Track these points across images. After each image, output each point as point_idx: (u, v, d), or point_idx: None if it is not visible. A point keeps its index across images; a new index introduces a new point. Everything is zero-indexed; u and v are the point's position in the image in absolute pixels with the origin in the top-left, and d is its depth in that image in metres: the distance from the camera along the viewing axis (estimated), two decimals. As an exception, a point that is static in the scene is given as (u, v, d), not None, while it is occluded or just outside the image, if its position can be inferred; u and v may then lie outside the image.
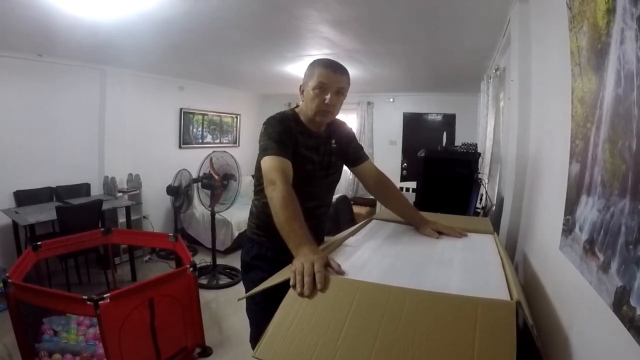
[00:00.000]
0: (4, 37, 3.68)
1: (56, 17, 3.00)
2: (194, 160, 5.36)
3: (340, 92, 1.65)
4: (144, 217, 5.82)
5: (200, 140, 7.11)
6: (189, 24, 3.20)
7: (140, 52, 4.37)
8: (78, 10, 2.87)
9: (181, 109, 6.61)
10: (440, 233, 1.70)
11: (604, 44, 0.89)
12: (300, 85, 1.72)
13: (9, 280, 2.56)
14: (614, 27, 0.84)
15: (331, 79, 1.60)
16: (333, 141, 1.82)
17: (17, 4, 2.71)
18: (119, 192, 5.31)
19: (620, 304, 0.74)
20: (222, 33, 3.49)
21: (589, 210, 0.96)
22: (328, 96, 1.60)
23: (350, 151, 1.92)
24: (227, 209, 4.94)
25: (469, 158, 3.25)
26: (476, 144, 3.59)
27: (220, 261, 5.07)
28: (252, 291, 1.27)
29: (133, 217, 5.19)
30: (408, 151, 7.35)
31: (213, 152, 4.82)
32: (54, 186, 4.93)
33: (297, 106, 1.76)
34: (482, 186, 3.44)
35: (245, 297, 1.62)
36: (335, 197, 3.15)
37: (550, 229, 1.37)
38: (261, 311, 1.55)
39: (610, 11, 0.86)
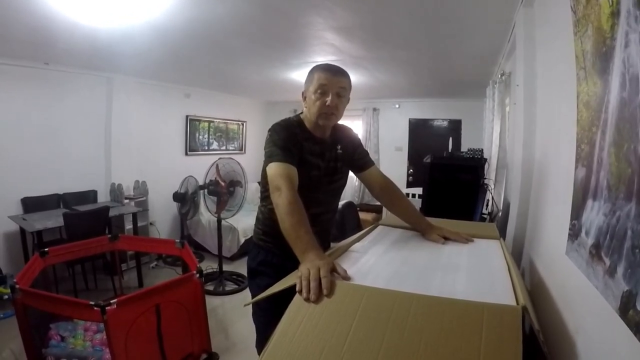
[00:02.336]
0: (10, 46, 3.73)
1: (61, 26, 3.03)
2: (200, 167, 5.38)
3: (341, 94, 1.65)
4: (151, 223, 5.85)
5: (206, 147, 7.15)
6: (194, 32, 3.23)
7: (145, 60, 4.40)
8: (83, 19, 2.90)
9: (187, 116, 6.65)
10: (446, 238, 1.70)
11: (609, 48, 0.89)
12: (302, 92, 1.74)
13: (17, 286, 2.57)
14: (618, 30, 0.84)
15: (331, 80, 1.61)
16: (339, 147, 1.83)
17: (19, 12, 2.74)
18: (126, 198, 5.34)
19: (626, 308, 0.74)
20: (227, 41, 3.52)
21: (595, 215, 0.96)
22: (329, 98, 1.61)
23: (356, 157, 1.92)
24: (233, 216, 4.96)
25: (475, 164, 3.24)
26: (482, 150, 3.58)
27: (226, 267, 5.07)
28: (258, 297, 1.27)
29: (140, 224, 5.23)
30: (414, 157, 7.34)
31: (219, 158, 4.84)
32: (61, 193, 4.97)
33: (302, 113, 1.77)
34: (488, 192, 3.43)
35: (252, 303, 1.62)
36: (341, 203, 3.16)
37: (556, 234, 1.36)
38: (267, 317, 1.55)
39: (615, 14, 0.86)
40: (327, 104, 1.61)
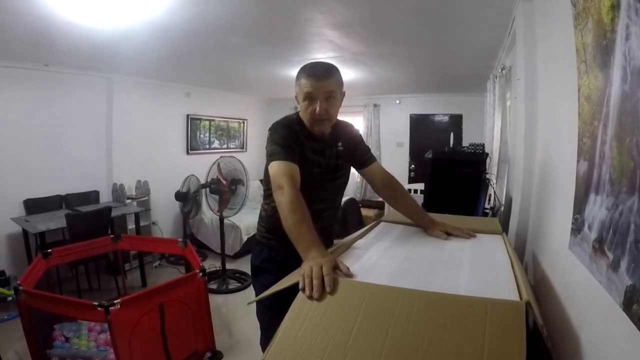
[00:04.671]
0: (9, 48, 3.72)
1: (59, 26, 3.02)
2: (201, 166, 5.38)
3: (330, 96, 1.62)
4: (153, 223, 5.85)
5: (207, 146, 7.14)
6: (193, 31, 3.22)
7: (145, 60, 4.39)
8: (81, 19, 2.89)
9: (188, 115, 6.64)
10: (448, 234, 1.69)
11: (609, 41, 0.88)
12: (295, 96, 1.72)
13: (20, 288, 2.58)
14: (618, 23, 0.83)
15: (315, 87, 1.58)
16: (339, 144, 1.82)
17: (17, 14, 2.73)
18: (128, 198, 5.35)
19: (630, 302, 0.73)
20: (226, 39, 3.51)
21: (597, 209, 0.95)
22: (317, 106, 1.59)
23: (358, 153, 1.91)
24: (235, 214, 4.96)
25: (477, 158, 3.24)
26: (483, 144, 3.58)
27: (229, 266, 5.07)
28: (261, 295, 1.28)
29: (142, 224, 5.23)
30: (415, 153, 7.32)
31: (220, 157, 4.83)
32: (63, 194, 4.98)
33: (302, 111, 1.76)
34: (490, 186, 3.42)
35: (255, 301, 1.62)
36: (343, 199, 3.16)
37: (559, 229, 1.35)
38: (271, 315, 1.55)
39: (615, 7, 0.85)
40: (316, 112, 1.60)
